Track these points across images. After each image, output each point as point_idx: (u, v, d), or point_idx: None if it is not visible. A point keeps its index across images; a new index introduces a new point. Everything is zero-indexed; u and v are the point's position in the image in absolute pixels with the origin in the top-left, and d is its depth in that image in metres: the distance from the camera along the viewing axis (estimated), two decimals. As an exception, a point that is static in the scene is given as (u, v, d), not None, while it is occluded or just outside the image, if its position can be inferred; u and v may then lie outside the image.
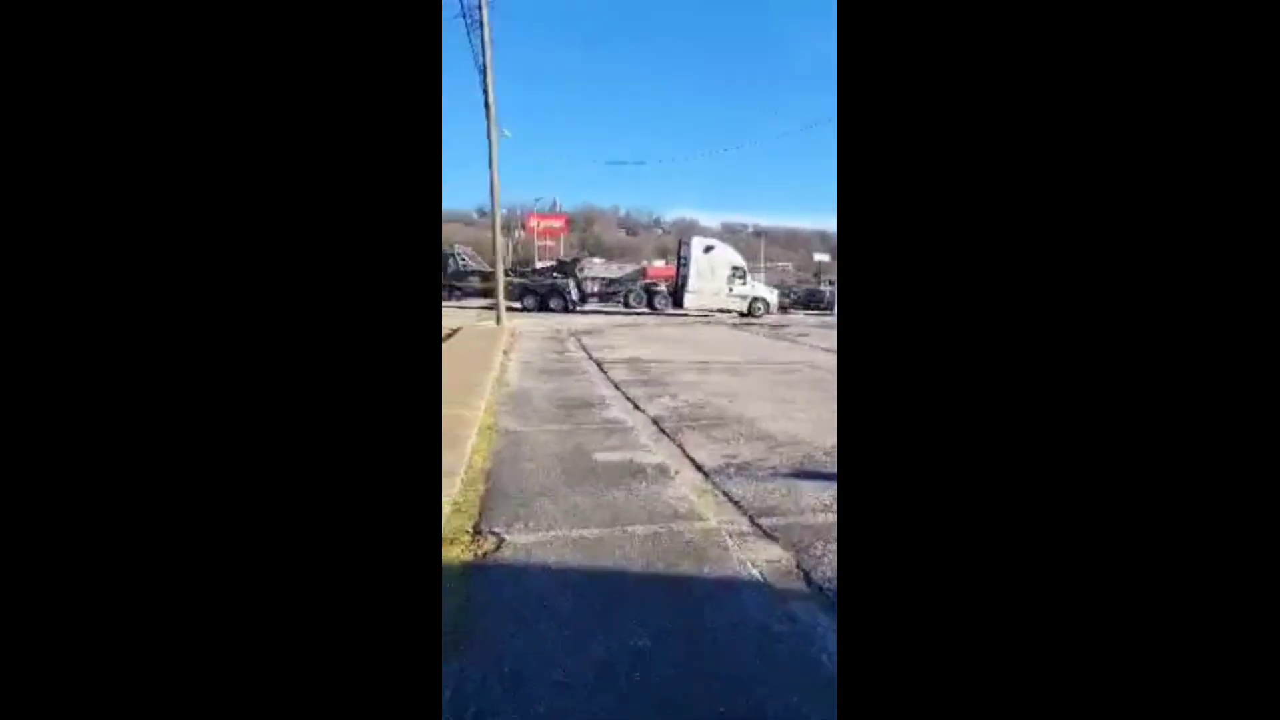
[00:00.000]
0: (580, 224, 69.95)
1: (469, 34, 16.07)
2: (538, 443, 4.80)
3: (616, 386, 7.55)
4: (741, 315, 23.80)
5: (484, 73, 16.67)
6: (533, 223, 43.73)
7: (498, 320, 15.98)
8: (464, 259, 27.22)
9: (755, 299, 24.61)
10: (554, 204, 50.45)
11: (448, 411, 5.53)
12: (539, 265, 29.93)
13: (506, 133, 17.95)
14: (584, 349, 11.63)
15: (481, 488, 3.70)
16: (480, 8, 15.90)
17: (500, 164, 16.58)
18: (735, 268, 24.89)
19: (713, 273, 24.33)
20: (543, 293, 24.60)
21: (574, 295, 24.48)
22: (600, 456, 4.45)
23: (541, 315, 20.69)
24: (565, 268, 26.89)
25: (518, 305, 23.33)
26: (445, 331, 13.96)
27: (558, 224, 46.99)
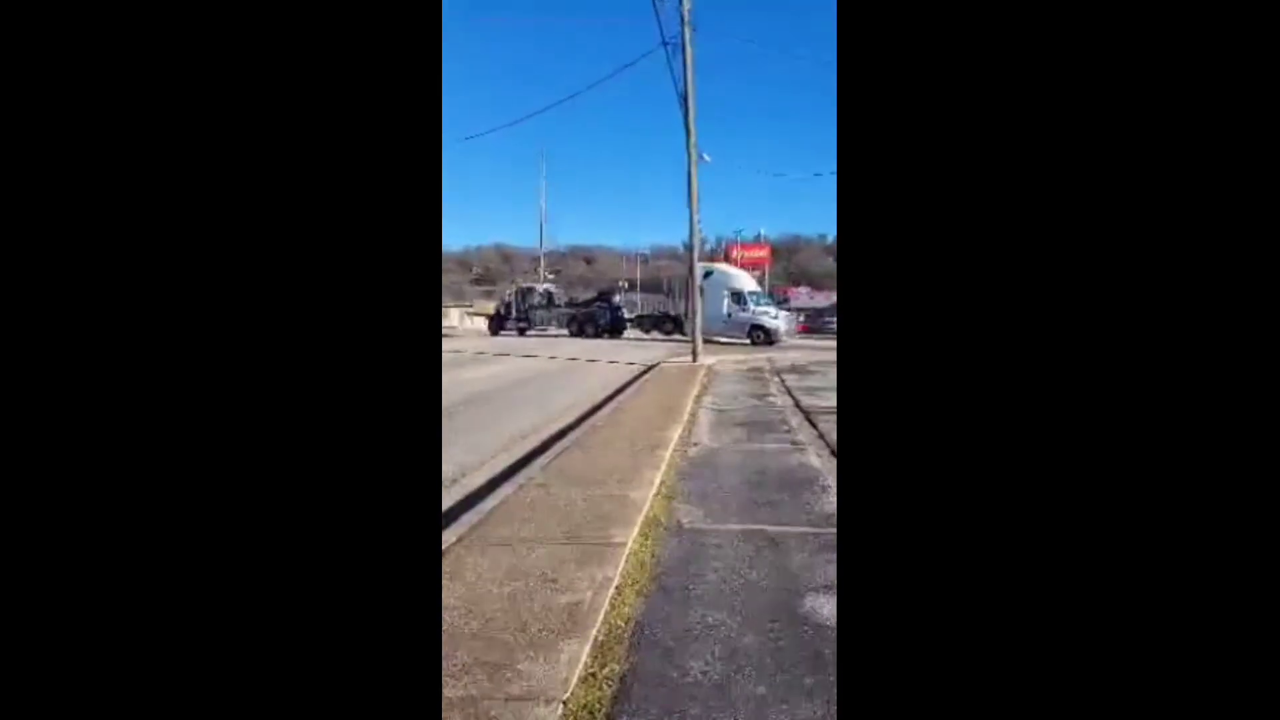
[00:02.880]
0: (784, 253, 67.50)
1: (669, 62, 15.52)
2: (719, 564, 3.22)
3: (834, 453, 5.69)
4: (753, 343, 21.36)
5: (684, 99, 15.97)
6: (735, 254, 42.72)
7: (693, 356, 14.79)
8: (542, 293, 31.11)
9: (754, 327, 22.23)
10: (758, 235, 49.17)
11: (611, 493, 4.22)
12: (584, 297, 33.60)
13: (706, 157, 17.06)
14: (788, 391, 9.82)
15: (619, 668, 2.23)
16: (682, 31, 15.27)
17: (702, 195, 15.66)
18: (734, 293, 23.11)
19: (709, 299, 21.91)
20: (581, 320, 27.87)
21: (605, 321, 27.49)
22: (819, 607, 2.73)
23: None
24: (605, 298, 30.22)
25: (564, 331, 27.79)
26: (638, 369, 13.11)
27: (761, 254, 45.58)
